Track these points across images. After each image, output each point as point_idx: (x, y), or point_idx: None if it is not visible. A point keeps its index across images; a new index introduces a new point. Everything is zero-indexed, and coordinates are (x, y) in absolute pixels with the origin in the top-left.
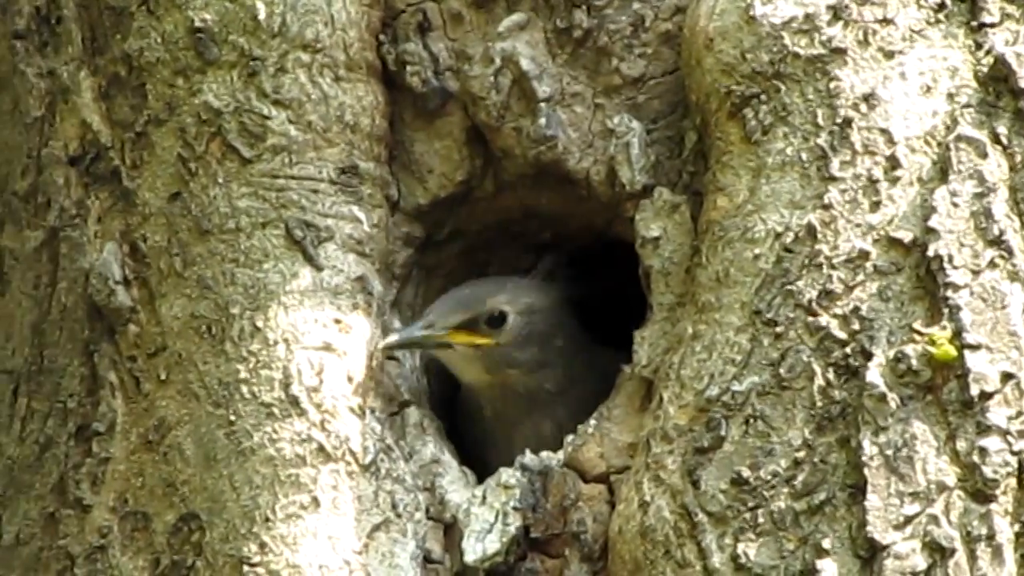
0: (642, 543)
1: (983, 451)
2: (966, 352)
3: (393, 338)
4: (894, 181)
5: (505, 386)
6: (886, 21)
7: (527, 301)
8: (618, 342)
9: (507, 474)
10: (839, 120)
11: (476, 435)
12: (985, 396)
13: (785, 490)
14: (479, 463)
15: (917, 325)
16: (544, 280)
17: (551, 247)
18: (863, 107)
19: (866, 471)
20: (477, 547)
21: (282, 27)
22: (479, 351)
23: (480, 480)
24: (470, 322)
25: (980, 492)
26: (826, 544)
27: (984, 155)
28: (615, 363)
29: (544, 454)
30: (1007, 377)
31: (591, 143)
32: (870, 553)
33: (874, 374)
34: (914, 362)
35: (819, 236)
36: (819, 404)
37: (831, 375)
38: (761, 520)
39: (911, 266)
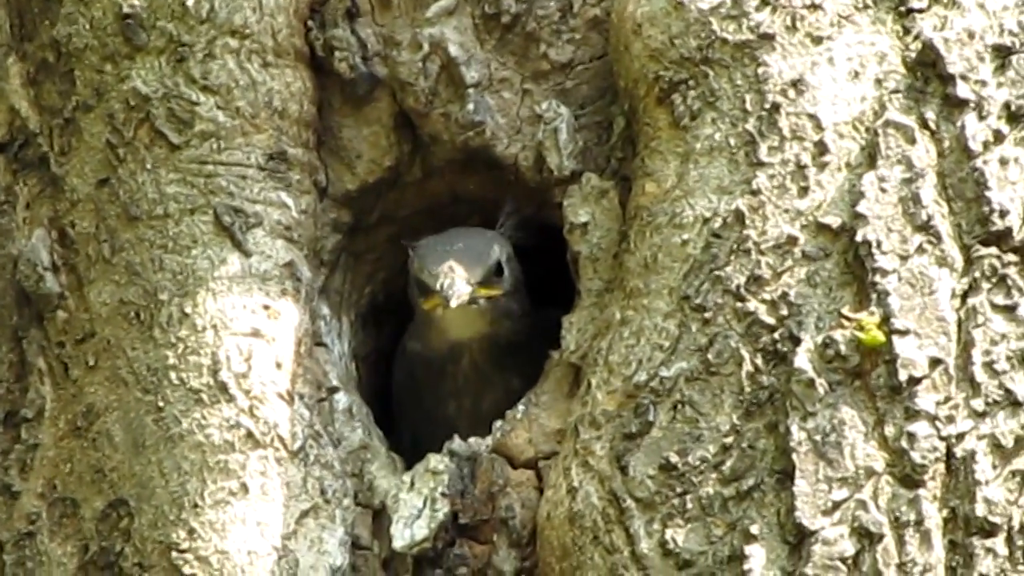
0: (570, 529)
1: (911, 436)
2: (894, 337)
3: (464, 298)
4: (822, 167)
5: (493, 338)
6: (814, 7)
7: (508, 250)
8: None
9: (435, 460)
10: (767, 105)
11: (429, 405)
12: (913, 381)
13: (713, 476)
14: (427, 437)
15: (845, 310)
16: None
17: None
18: (791, 92)
19: (794, 456)
20: (405, 533)
21: (210, 13)
22: (490, 302)
23: (412, 465)
24: (486, 275)
25: (908, 477)
26: (754, 530)
27: (912, 141)
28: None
29: (472, 440)
30: (935, 362)
31: (519, 129)
32: (798, 538)
33: (802, 359)
34: (842, 347)
35: (747, 221)
36: (747, 390)
37: (759, 361)
38: (689, 506)
39: (839, 251)
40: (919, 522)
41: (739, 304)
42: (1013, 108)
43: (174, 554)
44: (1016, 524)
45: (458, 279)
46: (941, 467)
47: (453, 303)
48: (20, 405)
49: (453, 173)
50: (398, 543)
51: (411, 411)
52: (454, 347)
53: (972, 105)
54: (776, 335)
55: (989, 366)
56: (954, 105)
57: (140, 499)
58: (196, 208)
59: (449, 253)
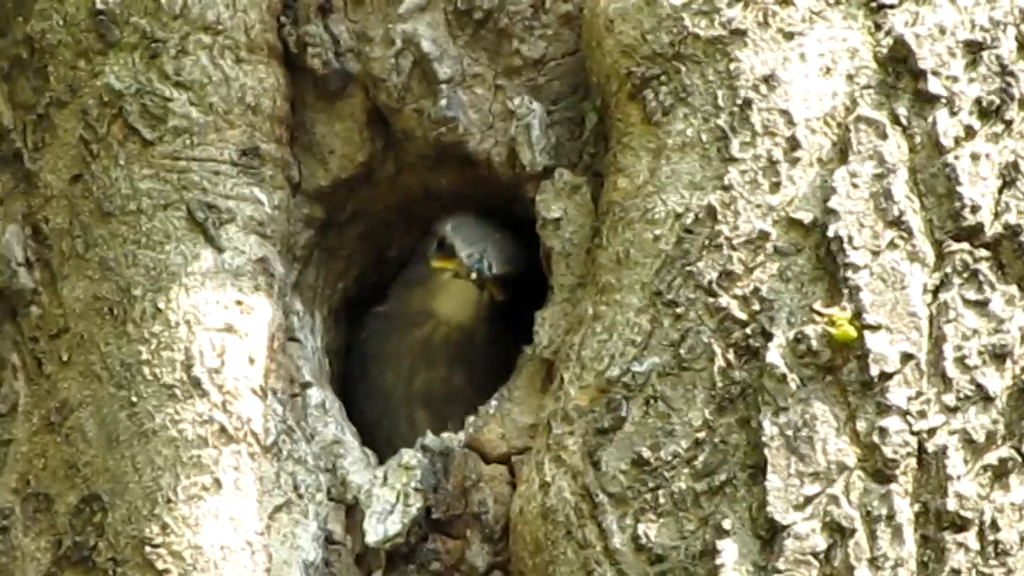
0: (543, 524)
1: (883, 431)
2: (866, 333)
3: (480, 280)
4: (794, 162)
5: (469, 333)
6: (786, 2)
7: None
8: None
9: (408, 455)
10: (739, 101)
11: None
12: (885, 376)
13: (686, 471)
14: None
15: (817, 306)
16: None
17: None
18: (763, 88)
19: (766, 451)
20: (379, 528)
21: (183, 9)
22: (486, 301)
23: (380, 453)
24: (508, 277)
25: (880, 472)
26: (726, 524)
27: (884, 136)
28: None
29: (445, 435)
30: (907, 358)
31: (492, 124)
32: (770, 533)
33: (774, 355)
34: (814, 343)
35: (719, 217)
36: (719, 385)
37: (731, 356)
38: (662, 501)
39: (811, 247)
40: (891, 517)
41: (711, 299)
42: (984, 104)
43: (147, 549)
44: (987, 519)
45: (486, 261)
46: (913, 462)
47: (472, 276)
48: None
49: (426, 169)
50: (371, 538)
51: (356, 377)
52: (431, 316)
53: (943, 101)
54: (748, 330)
55: (960, 361)
56: (925, 101)
57: (114, 494)
58: (169, 204)
59: (490, 238)
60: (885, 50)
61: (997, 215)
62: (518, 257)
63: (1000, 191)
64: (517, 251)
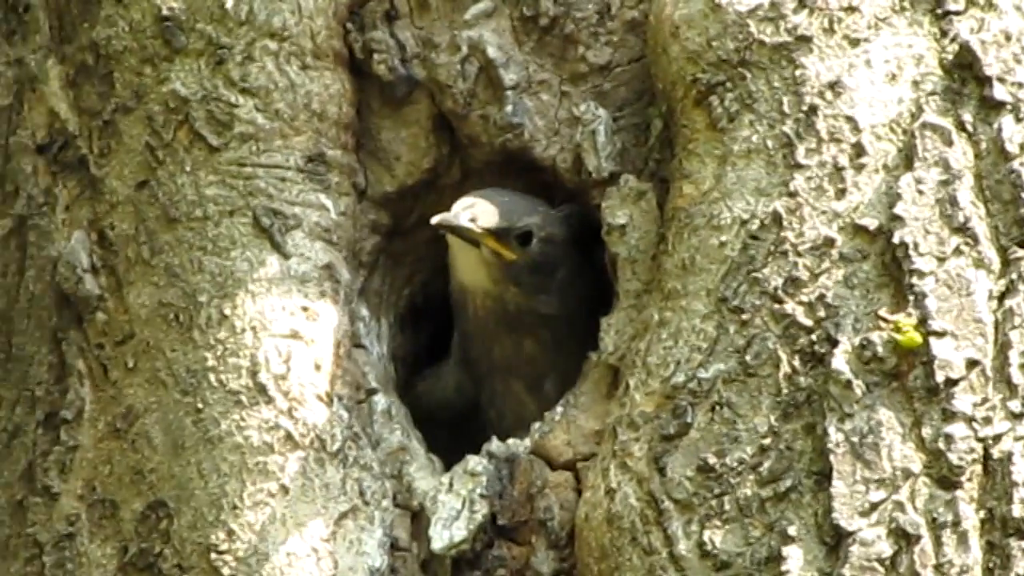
0: (608, 530)
1: (948, 438)
2: (931, 339)
3: (446, 218)
4: (859, 168)
5: (500, 299)
6: (851, 9)
7: (551, 231)
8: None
9: (474, 461)
10: (804, 108)
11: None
12: (950, 383)
13: (751, 477)
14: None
15: (883, 312)
16: (564, 215)
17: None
18: (828, 95)
19: (832, 458)
20: (444, 534)
21: (249, 15)
22: (497, 260)
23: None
24: (504, 231)
25: (945, 479)
26: (792, 531)
27: (949, 142)
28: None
29: (511, 441)
30: (972, 364)
31: (557, 131)
32: (836, 539)
33: (840, 361)
34: (879, 349)
35: (785, 223)
36: (785, 391)
37: (797, 362)
38: (727, 507)
39: (876, 253)
40: (956, 523)
41: (776, 306)
42: None
43: (213, 555)
44: None
45: (465, 211)
46: (978, 468)
47: (434, 218)
48: (59, 407)
49: (491, 175)
50: (437, 544)
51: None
52: (463, 287)
53: (1009, 107)
54: (813, 337)
55: None
56: (991, 107)
57: (179, 500)
58: (235, 210)
59: (487, 196)
60: (950, 56)
61: None
62: (527, 214)
63: None
64: (530, 210)
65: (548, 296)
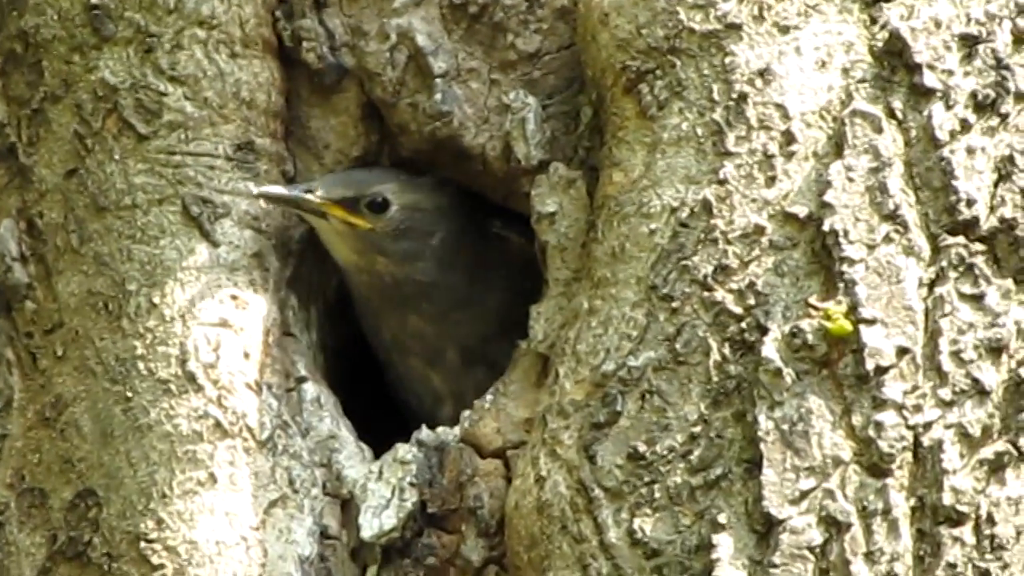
0: (538, 518)
1: (879, 425)
2: (861, 327)
3: (271, 189)
4: (789, 156)
5: (373, 272)
6: None
7: (414, 197)
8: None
9: (403, 450)
10: (734, 95)
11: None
12: (880, 371)
13: (681, 465)
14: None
15: (813, 300)
16: (438, 182)
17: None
18: (758, 82)
19: (762, 446)
20: (374, 523)
21: (178, 3)
22: (352, 231)
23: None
24: (351, 200)
25: (876, 466)
26: (722, 519)
27: (879, 130)
28: (508, 255)
29: (440, 429)
30: (902, 352)
31: (487, 119)
32: (766, 527)
33: (770, 349)
34: (809, 337)
35: (714, 211)
36: (715, 379)
37: (727, 350)
38: (657, 495)
39: (806, 241)
40: (886, 511)
41: (706, 294)
42: (980, 97)
43: (142, 544)
44: (983, 513)
45: (305, 185)
46: (908, 456)
47: (256, 189)
48: None
49: (421, 163)
50: (367, 533)
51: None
52: (341, 266)
53: (939, 94)
54: (743, 324)
55: (956, 355)
56: (921, 94)
57: (108, 489)
58: (164, 198)
59: (336, 173)
60: (880, 44)
61: (992, 209)
62: (377, 181)
63: (995, 185)
64: (381, 177)
65: (424, 263)
